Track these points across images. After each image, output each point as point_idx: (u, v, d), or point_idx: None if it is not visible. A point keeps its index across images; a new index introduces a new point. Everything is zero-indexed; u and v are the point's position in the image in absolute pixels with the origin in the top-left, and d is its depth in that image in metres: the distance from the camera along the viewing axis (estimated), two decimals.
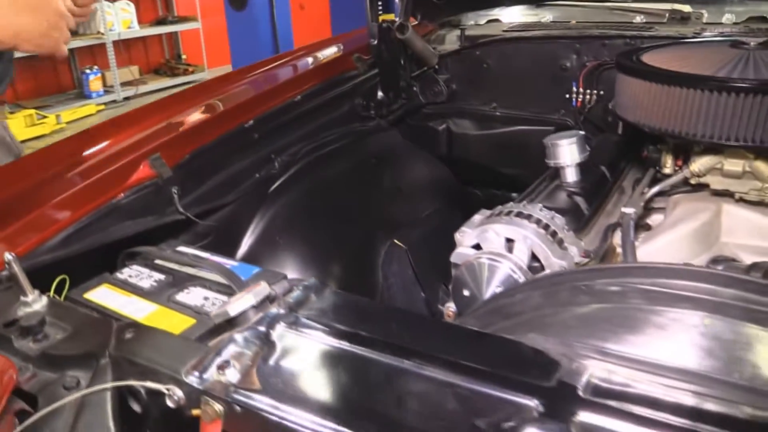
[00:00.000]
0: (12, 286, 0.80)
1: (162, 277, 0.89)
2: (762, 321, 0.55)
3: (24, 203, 0.94)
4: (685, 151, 1.07)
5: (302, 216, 1.23)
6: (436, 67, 1.68)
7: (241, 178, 1.21)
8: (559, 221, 0.89)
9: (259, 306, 0.68)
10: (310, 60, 1.57)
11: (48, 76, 5.85)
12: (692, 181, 1.05)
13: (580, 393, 0.51)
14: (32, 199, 0.95)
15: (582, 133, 1.11)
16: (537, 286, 0.67)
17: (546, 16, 1.94)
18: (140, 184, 1.04)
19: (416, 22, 1.75)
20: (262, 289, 0.69)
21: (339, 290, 0.71)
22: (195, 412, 0.59)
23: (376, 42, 1.49)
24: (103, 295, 0.87)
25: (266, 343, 0.62)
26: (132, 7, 6.22)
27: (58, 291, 0.87)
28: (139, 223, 1.03)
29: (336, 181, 1.32)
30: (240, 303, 0.68)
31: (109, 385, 0.61)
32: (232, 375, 0.59)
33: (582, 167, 1.13)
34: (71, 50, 5.65)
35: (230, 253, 1.16)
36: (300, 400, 0.57)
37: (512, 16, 2.00)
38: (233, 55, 5.66)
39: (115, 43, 6.07)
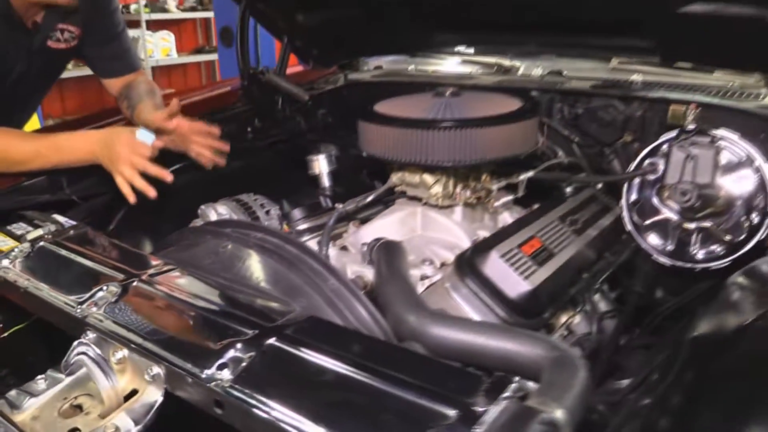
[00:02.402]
0: None
1: (30, 227, 1.43)
2: (255, 247, 1.03)
3: None
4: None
5: (156, 209, 1.72)
6: (310, 103, 2.17)
7: None
8: (267, 206, 1.39)
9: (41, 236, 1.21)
10: (208, 94, 2.12)
11: (93, 94, 6.67)
12: (396, 190, 1.52)
13: (143, 277, 1.00)
14: None
15: (333, 152, 1.60)
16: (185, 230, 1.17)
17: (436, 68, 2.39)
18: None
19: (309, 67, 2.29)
20: (48, 226, 1.22)
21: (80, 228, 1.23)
22: None
23: (246, 83, 2.02)
24: None
25: (31, 254, 1.15)
26: (172, 37, 7.01)
27: None
28: (36, 198, 1.59)
29: (193, 185, 1.81)
30: (35, 233, 1.21)
31: None
32: (7, 263, 1.12)
33: (345, 179, 1.62)
34: None
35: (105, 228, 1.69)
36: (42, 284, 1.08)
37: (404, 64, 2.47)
38: None
39: (155, 68, 6.86)
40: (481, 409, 0.67)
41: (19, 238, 1.24)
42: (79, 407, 0.84)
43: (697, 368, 1.03)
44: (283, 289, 0.99)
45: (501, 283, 1.18)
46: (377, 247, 1.24)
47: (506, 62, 2.15)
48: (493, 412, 0.67)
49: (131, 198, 1.49)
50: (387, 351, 0.85)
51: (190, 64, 7.72)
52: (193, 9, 7.22)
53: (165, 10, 6.90)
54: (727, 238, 1.48)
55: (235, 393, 0.75)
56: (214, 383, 0.76)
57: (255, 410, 0.73)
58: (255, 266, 1.03)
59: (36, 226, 1.41)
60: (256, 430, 0.73)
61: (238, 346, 0.80)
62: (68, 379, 0.86)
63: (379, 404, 0.71)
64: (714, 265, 1.50)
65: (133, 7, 6.54)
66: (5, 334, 1.13)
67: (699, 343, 1.12)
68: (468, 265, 1.20)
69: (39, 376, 0.87)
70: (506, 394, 0.70)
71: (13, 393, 0.85)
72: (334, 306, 0.97)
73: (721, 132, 1.46)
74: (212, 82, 2.78)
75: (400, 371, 0.76)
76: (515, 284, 1.19)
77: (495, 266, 1.19)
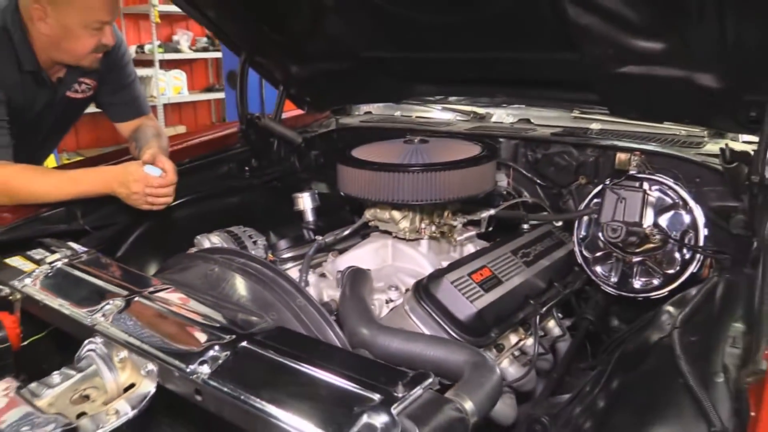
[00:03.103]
0: None
1: (47, 253, 1.63)
2: (237, 270, 1.23)
3: None
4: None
5: (160, 237, 1.92)
6: (303, 145, 2.39)
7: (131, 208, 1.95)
8: (254, 237, 1.59)
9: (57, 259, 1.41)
10: (212, 136, 2.35)
11: (107, 129, 6.95)
12: (370, 225, 1.72)
13: (144, 294, 1.20)
14: None
15: (317, 190, 1.81)
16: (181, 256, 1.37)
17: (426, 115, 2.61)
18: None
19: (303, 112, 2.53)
20: (64, 252, 1.43)
21: (92, 254, 1.43)
22: (10, 297, 1.32)
23: (244, 127, 2.25)
24: (14, 260, 1.63)
25: (49, 274, 1.35)
26: (184, 76, 7.34)
27: None
28: (53, 227, 1.79)
29: (193, 217, 2.01)
30: (52, 257, 1.41)
31: None
32: (29, 281, 1.32)
33: (328, 214, 1.82)
34: None
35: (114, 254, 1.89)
36: (59, 299, 1.28)
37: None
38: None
39: (167, 105, 7.17)
40: (400, 395, 0.86)
41: (38, 262, 1.44)
42: (87, 397, 1.04)
43: (619, 378, 1.22)
44: (259, 305, 1.19)
45: (451, 305, 1.37)
46: (345, 274, 1.44)
47: (481, 110, 2.37)
48: (409, 398, 0.86)
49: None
50: (336, 354, 1.04)
51: (200, 102, 8.04)
52: (204, 49, 7.55)
53: (178, 50, 7.24)
54: (666, 271, 1.67)
55: (212, 383, 0.94)
56: (195, 376, 0.96)
57: (226, 396, 0.92)
58: (237, 286, 1.23)
59: (53, 252, 1.62)
60: (226, 412, 0.92)
61: (216, 347, 1.00)
62: (78, 375, 1.05)
63: (324, 392, 0.90)
64: (653, 295, 1.69)
65: (147, 47, 6.87)
66: (25, 343, 1.32)
67: (624, 358, 1.32)
68: (423, 290, 1.39)
69: (55, 372, 1.06)
70: (423, 385, 0.88)
71: (33, 385, 1.05)
72: (299, 319, 1.17)
73: (656, 176, 1.66)
74: (220, 123, 3.04)
75: (344, 369, 0.95)
76: (463, 307, 1.37)
77: (446, 291, 1.38)
